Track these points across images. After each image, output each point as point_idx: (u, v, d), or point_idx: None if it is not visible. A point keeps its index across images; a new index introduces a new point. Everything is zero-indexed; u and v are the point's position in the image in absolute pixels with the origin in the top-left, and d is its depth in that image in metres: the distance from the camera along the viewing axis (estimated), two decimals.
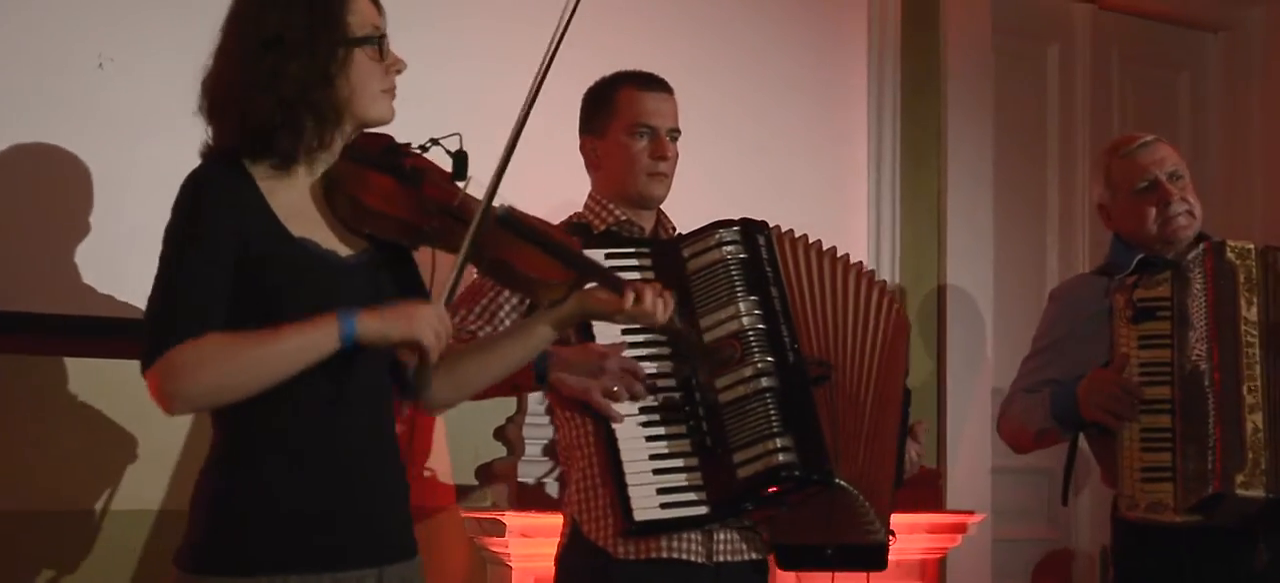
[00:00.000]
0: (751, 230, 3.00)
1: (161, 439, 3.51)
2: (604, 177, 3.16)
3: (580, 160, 3.23)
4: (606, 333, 2.89)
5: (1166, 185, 3.47)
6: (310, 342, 2.25)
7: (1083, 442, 3.52)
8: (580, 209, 3.20)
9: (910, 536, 4.07)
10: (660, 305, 2.51)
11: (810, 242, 3.06)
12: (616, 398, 2.86)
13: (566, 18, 2.45)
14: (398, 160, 2.45)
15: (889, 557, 3.06)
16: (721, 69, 3.37)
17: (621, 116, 3.12)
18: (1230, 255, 3.24)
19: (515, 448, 3.80)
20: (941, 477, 4.61)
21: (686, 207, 3.29)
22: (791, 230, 3.06)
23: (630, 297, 2.47)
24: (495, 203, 2.41)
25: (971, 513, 4.34)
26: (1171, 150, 3.56)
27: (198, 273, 2.27)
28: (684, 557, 2.94)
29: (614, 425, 2.87)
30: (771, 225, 3.04)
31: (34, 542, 3.42)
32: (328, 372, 2.29)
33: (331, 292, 2.34)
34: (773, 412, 2.83)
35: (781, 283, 2.97)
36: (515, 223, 2.46)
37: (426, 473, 3.80)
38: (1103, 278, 3.51)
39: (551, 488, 3.78)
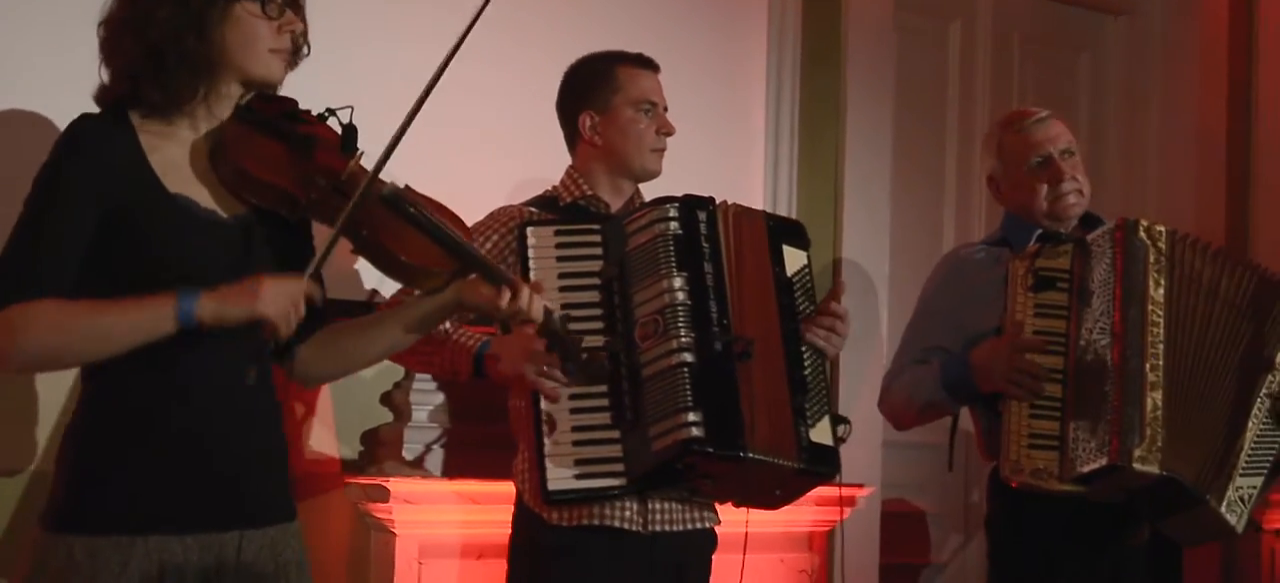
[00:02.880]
0: (692, 206, 3.04)
1: (43, 400, 3.45)
2: (599, 151, 3.24)
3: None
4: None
5: (1059, 163, 3.50)
6: (145, 319, 2.23)
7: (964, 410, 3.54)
8: (556, 184, 3.27)
9: (799, 509, 4.06)
10: (538, 305, 2.52)
11: (744, 212, 3.10)
12: (550, 376, 2.90)
13: (480, 8, 2.42)
14: (290, 126, 2.40)
15: (838, 463, 3.05)
16: (619, 40, 3.37)
17: (624, 92, 3.23)
18: (1142, 235, 3.26)
19: (401, 414, 3.78)
20: None
21: None
22: (737, 206, 3.11)
23: (507, 294, 2.48)
24: (387, 181, 2.37)
25: (861, 486, 4.36)
26: (1064, 127, 3.59)
27: (49, 232, 2.24)
28: (615, 524, 3.00)
29: (542, 400, 2.92)
30: (718, 201, 3.09)
31: None
32: (194, 335, 2.26)
33: (204, 251, 2.31)
34: (687, 386, 2.87)
35: (719, 259, 3.01)
36: (401, 204, 2.41)
37: (310, 439, 3.77)
38: (995, 248, 3.53)
39: (437, 455, 3.77)
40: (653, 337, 2.92)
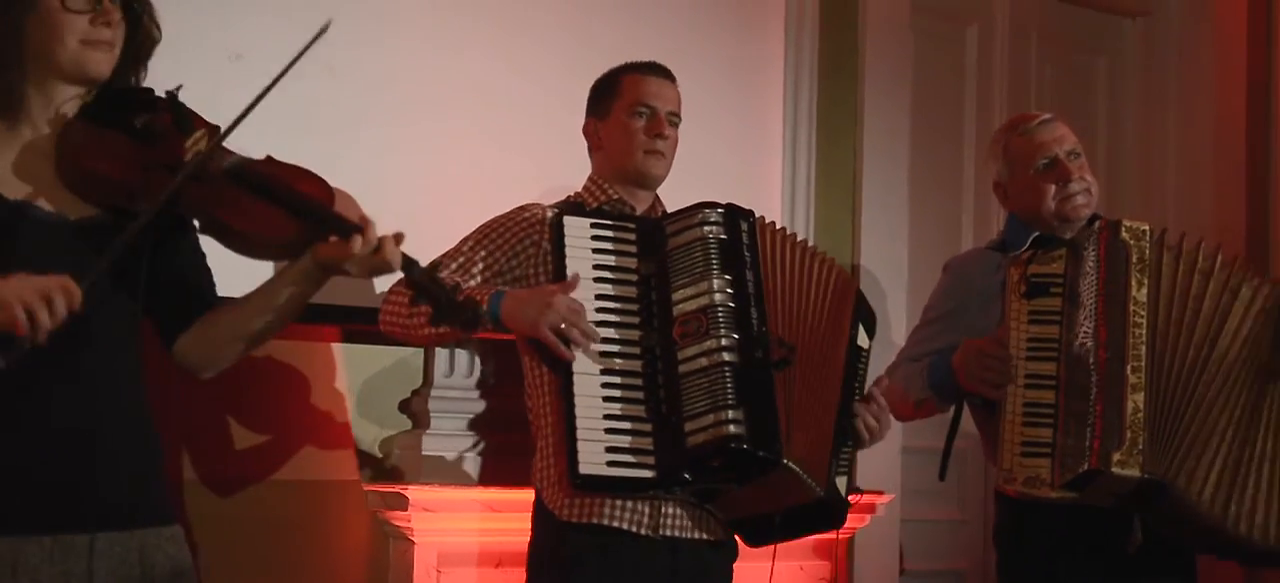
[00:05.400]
0: (735, 215, 3.07)
1: None
2: (604, 157, 3.29)
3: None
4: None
5: (1067, 164, 3.49)
6: None
7: (967, 417, 3.53)
8: (578, 190, 3.31)
9: None
10: (394, 250, 2.45)
11: (789, 235, 3.15)
12: (567, 337, 2.90)
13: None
14: (133, 116, 2.36)
15: (846, 517, 3.17)
16: (638, 48, 3.36)
17: (624, 98, 3.26)
18: (1125, 235, 3.25)
19: (420, 421, 3.77)
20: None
21: None
22: (774, 222, 3.16)
23: (358, 240, 2.40)
24: (233, 153, 2.34)
25: (880, 493, 4.35)
26: (1068, 129, 3.58)
27: None
28: (626, 527, 3.01)
29: (574, 386, 2.91)
30: (756, 216, 3.12)
31: None
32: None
33: (48, 257, 2.24)
34: (729, 385, 2.89)
35: (758, 268, 3.04)
36: (246, 175, 2.38)
37: (329, 447, 3.76)
38: (996, 253, 3.53)
39: (470, 463, 3.76)
40: (693, 335, 2.93)
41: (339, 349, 3.76)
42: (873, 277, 4.77)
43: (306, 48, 2.33)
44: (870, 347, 3.26)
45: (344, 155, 3.62)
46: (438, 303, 2.51)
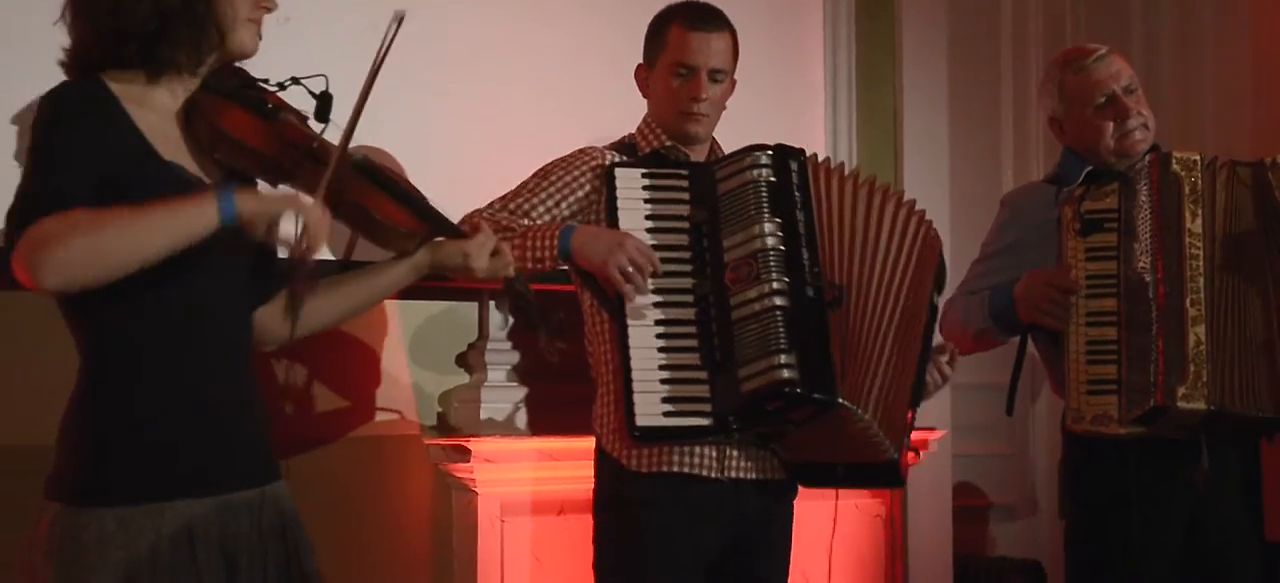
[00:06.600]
0: (784, 156, 3.05)
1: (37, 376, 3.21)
2: (652, 106, 3.28)
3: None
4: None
5: (1124, 100, 3.46)
6: (187, 216, 2.21)
7: (1033, 352, 3.54)
8: (632, 133, 3.30)
9: None
10: (507, 263, 2.56)
11: (846, 171, 3.12)
12: (631, 280, 2.92)
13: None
14: (257, 94, 2.43)
15: (906, 477, 3.16)
16: None
17: (668, 53, 3.22)
18: (1176, 167, 3.24)
19: (477, 374, 3.81)
20: None
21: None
22: (828, 159, 3.12)
23: (473, 244, 2.52)
24: (350, 149, 2.41)
25: (932, 429, 4.37)
26: (1125, 62, 3.55)
27: (62, 162, 2.22)
28: (692, 470, 3.03)
29: (630, 336, 2.93)
30: (808, 154, 3.10)
31: None
32: (190, 294, 2.28)
33: None
34: (781, 329, 2.89)
35: (810, 208, 3.02)
36: (372, 171, 2.47)
37: (388, 402, 3.80)
38: (1052, 187, 3.51)
39: (521, 417, 3.80)
40: (744, 280, 2.93)
41: (392, 306, 3.79)
42: None
43: (391, 36, 2.40)
44: (939, 305, 3.24)
45: (385, 120, 3.65)
46: (529, 310, 2.68)
